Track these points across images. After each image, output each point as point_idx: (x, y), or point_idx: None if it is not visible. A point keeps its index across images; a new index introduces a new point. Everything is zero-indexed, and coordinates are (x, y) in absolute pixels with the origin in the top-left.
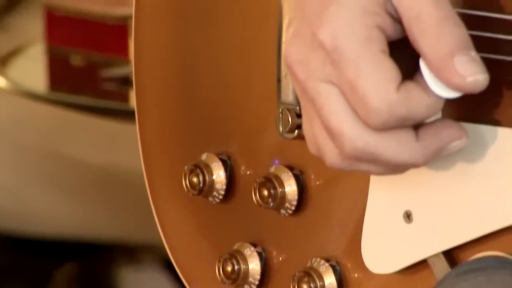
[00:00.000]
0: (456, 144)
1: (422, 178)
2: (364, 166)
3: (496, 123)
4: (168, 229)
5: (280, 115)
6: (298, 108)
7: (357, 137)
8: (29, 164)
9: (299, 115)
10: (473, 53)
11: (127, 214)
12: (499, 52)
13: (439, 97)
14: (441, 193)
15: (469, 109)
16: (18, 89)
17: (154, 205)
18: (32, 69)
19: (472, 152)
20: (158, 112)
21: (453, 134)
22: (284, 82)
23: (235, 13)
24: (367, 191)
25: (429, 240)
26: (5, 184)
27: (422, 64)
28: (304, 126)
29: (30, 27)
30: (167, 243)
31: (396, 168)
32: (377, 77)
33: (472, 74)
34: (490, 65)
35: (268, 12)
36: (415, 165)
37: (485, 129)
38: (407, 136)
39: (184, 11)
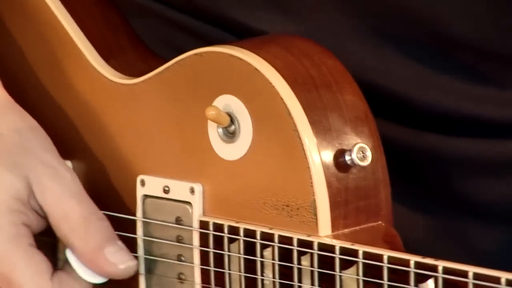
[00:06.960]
0: None
1: None
2: None
3: None
4: None
5: None
6: None
7: None
8: None
9: None
10: (119, 242)
11: None
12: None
13: (89, 283)
14: None
15: None
16: None
17: None
18: None
19: None
20: None
21: None
22: None
23: None
24: None
25: None
26: None
27: (70, 256)
28: None
29: None
30: None
31: None
32: (31, 271)
33: (124, 262)
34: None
35: None
36: None
37: None
38: None
39: None
